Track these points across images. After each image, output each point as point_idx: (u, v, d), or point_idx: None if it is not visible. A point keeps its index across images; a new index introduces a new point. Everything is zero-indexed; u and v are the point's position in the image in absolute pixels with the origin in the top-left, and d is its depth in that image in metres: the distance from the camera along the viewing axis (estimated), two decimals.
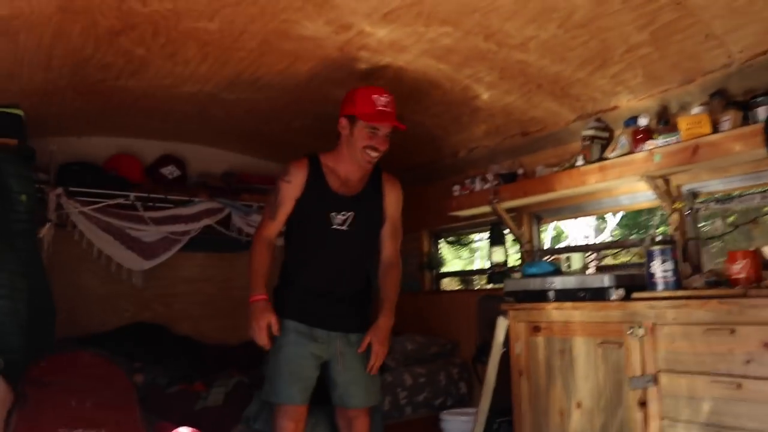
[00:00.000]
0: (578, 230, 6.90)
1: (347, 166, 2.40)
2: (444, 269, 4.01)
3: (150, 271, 3.55)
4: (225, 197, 3.72)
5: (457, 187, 3.37)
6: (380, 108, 2.32)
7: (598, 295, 2.41)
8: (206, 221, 3.62)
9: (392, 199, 2.48)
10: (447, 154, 3.57)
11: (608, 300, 2.36)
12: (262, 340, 2.23)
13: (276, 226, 2.38)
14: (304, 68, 2.76)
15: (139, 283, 3.45)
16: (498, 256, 3.27)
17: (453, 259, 4.24)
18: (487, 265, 3.37)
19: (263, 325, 2.23)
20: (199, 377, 2.84)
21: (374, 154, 2.35)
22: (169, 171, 3.76)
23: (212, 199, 3.67)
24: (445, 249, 4.02)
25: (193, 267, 4.03)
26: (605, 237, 6.71)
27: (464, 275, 4.36)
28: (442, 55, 2.60)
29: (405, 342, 3.47)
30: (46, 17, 2.18)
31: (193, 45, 2.52)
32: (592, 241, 6.91)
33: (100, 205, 3.32)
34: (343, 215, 2.37)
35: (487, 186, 3.18)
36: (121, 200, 3.40)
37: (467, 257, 4.31)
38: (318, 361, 2.32)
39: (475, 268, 4.24)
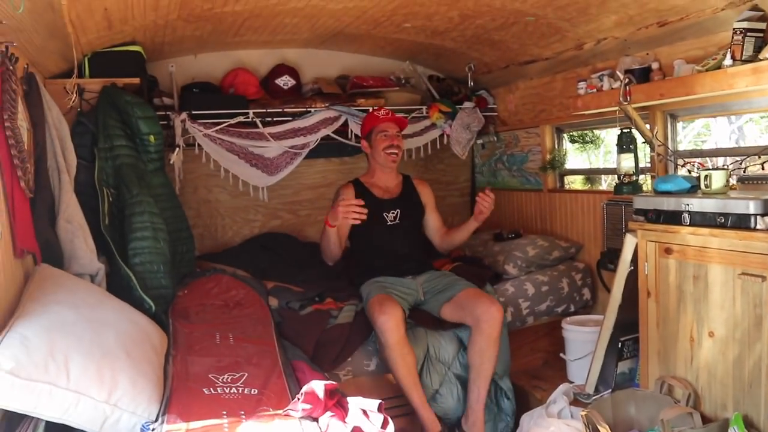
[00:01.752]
0: (722, 130, 6.01)
1: (382, 176, 3.11)
2: (568, 167, 3.82)
3: None
4: (340, 104, 3.70)
5: (582, 85, 3.12)
6: (382, 116, 3.05)
7: (740, 222, 2.17)
8: (324, 131, 3.63)
9: (425, 192, 3.18)
10: (572, 46, 3.25)
11: (753, 229, 2.13)
12: (346, 207, 2.64)
13: (341, 236, 2.90)
14: None
15: (264, 198, 3.58)
16: (627, 163, 3.02)
17: (577, 156, 4.01)
18: (614, 165, 3.15)
19: (339, 204, 2.67)
20: (328, 293, 2.98)
21: (394, 151, 3.02)
22: (284, 81, 3.76)
23: (328, 108, 3.66)
24: (569, 145, 3.78)
25: (315, 174, 4.12)
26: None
27: (590, 173, 4.12)
28: None
29: (526, 246, 3.42)
30: None
31: None
32: (734, 145, 6.01)
33: (222, 125, 3.41)
34: (393, 213, 3.04)
35: (616, 85, 2.89)
36: (241, 118, 3.46)
37: (593, 154, 4.03)
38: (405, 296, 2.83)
39: (601, 167, 3.99)
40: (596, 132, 3.69)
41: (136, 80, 2.87)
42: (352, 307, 2.88)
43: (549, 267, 3.42)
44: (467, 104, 4.02)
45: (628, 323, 2.65)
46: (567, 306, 3.35)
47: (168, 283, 2.63)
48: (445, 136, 4.02)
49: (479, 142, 4.29)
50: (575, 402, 2.67)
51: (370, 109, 3.27)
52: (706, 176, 2.39)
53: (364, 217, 2.67)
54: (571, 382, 2.90)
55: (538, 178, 3.89)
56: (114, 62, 2.83)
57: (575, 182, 4.08)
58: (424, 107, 3.94)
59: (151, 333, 2.12)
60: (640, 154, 3.04)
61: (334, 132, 3.70)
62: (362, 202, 2.66)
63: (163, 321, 2.43)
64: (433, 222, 3.18)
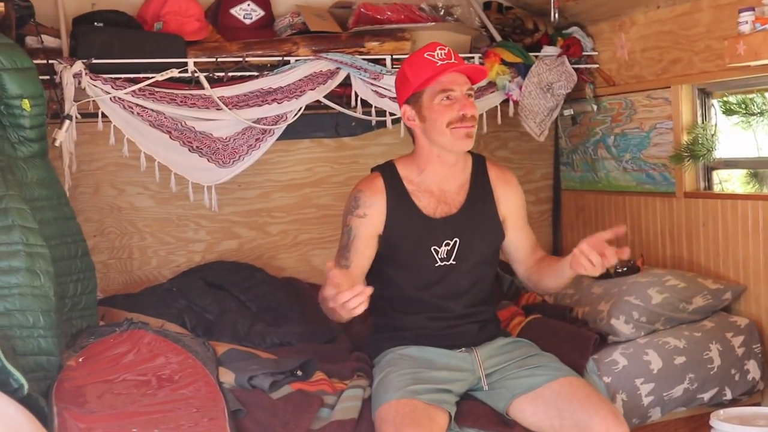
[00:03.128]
0: None
1: (439, 171, 2.89)
2: (720, 156, 3.72)
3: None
4: (338, 50, 3.67)
5: (747, 16, 3.06)
6: (441, 62, 2.76)
7: None
8: (311, 95, 3.62)
9: (510, 201, 3.01)
10: None
11: None
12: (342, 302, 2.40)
13: (351, 277, 2.73)
14: None
15: (213, 205, 3.57)
16: None
17: (737, 137, 3.90)
18: None
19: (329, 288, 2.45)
20: (320, 365, 2.90)
21: (467, 125, 2.77)
22: (245, 11, 3.75)
23: (318, 57, 3.63)
24: (722, 118, 3.69)
25: (296, 165, 4.12)
26: None
27: (759, 167, 3.99)
28: None
29: (648, 288, 3.33)
30: None
31: None
32: None
33: (143, 84, 3.37)
34: (447, 244, 2.86)
35: None
36: (174, 72, 3.44)
37: (763, 133, 3.91)
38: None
39: None
40: None
41: None
42: (357, 391, 2.79)
43: (688, 324, 3.35)
44: (549, 50, 4.01)
45: None
46: (719, 391, 3.26)
47: (51, 346, 2.60)
48: (510, 103, 4.00)
49: (568, 113, 4.26)
50: None
51: (416, 51, 2.96)
52: None
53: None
54: None
55: (669, 174, 3.83)
56: None
57: (732, 181, 3.96)
58: (477, 56, 3.92)
59: None
60: None
61: (328, 96, 3.69)
62: (369, 291, 2.41)
63: (42, 410, 2.38)
64: (518, 243, 3.04)
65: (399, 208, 2.85)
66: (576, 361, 2.96)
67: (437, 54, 2.79)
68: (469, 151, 2.97)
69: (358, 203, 2.87)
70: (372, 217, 2.83)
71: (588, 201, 4.41)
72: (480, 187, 2.96)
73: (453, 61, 2.79)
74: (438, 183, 2.91)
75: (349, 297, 2.37)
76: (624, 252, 2.57)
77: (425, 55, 2.80)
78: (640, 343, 3.23)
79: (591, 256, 2.57)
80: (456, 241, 2.86)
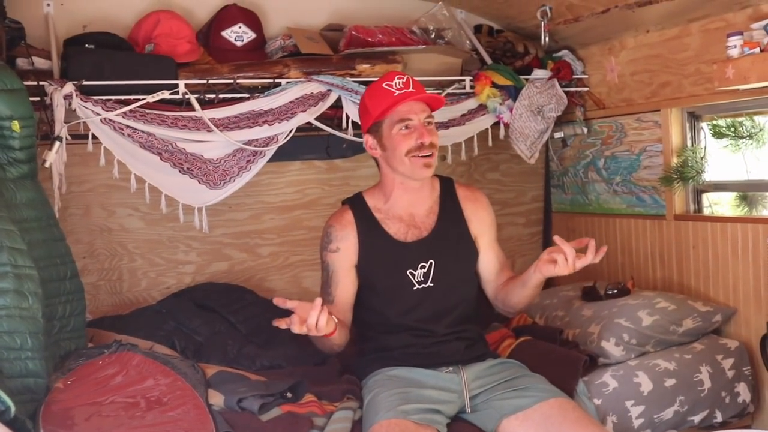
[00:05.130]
0: None
1: (403, 197, 2.95)
2: (710, 179, 3.75)
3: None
4: (329, 72, 3.67)
5: (736, 40, 3.11)
6: (398, 92, 2.82)
7: None
8: (302, 117, 3.62)
9: (478, 214, 3.05)
10: None
11: None
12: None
13: (338, 310, 2.86)
14: None
15: (203, 226, 3.56)
16: None
17: (726, 160, 3.93)
18: None
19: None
20: (309, 387, 2.90)
21: (426, 153, 2.83)
22: (236, 33, 3.73)
23: (309, 79, 3.63)
24: (711, 141, 3.72)
25: (287, 187, 4.12)
26: None
27: (748, 190, 4.01)
28: None
29: (638, 310, 3.36)
30: None
31: None
32: None
33: (135, 105, 3.37)
34: (423, 266, 2.90)
35: None
36: (165, 94, 3.44)
37: (753, 156, 3.93)
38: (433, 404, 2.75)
39: None
40: (758, 120, 3.60)
41: None
42: (347, 413, 2.79)
43: (678, 346, 3.36)
44: (539, 73, 4.01)
45: None
46: (710, 413, 3.26)
47: (39, 368, 2.59)
48: (501, 125, 4.00)
49: (558, 135, 4.29)
50: None
51: (376, 80, 3.03)
52: None
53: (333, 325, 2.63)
54: None
55: (659, 197, 3.86)
56: None
57: (722, 203, 3.98)
58: (468, 78, 3.93)
59: None
60: None
61: (319, 118, 3.69)
62: (318, 301, 2.54)
63: None
64: (487, 262, 3.07)
65: (370, 237, 2.92)
66: (566, 383, 2.94)
67: (395, 83, 2.85)
68: (436, 175, 3.04)
69: (330, 238, 2.95)
70: (346, 250, 2.91)
71: (578, 223, 4.42)
72: (449, 209, 3.02)
73: (411, 90, 2.84)
74: (406, 208, 2.97)
75: (314, 321, 2.50)
76: (601, 251, 2.64)
77: (384, 84, 2.87)
78: (630, 365, 3.24)
79: (566, 248, 2.62)
80: (431, 263, 2.91)
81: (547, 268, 2.70)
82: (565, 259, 2.64)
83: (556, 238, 2.69)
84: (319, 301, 2.52)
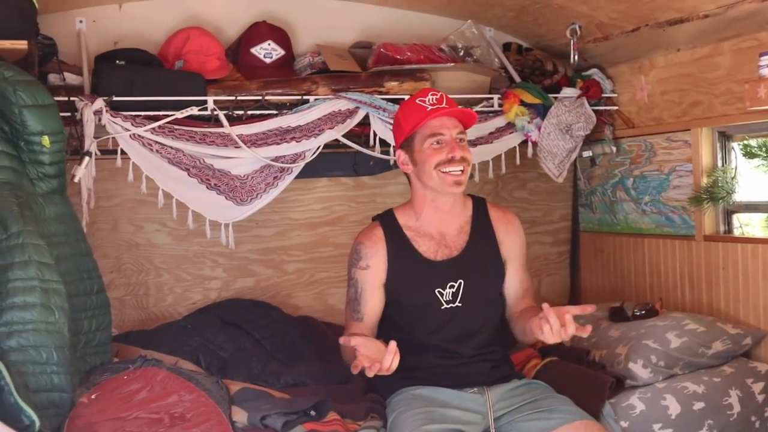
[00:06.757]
0: None
1: (434, 215, 2.94)
2: (741, 199, 3.72)
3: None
4: (358, 89, 3.69)
5: (767, 60, 3.08)
6: (431, 107, 2.83)
7: None
8: (330, 134, 3.63)
9: (511, 242, 3.04)
10: None
11: None
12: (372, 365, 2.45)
13: (366, 327, 2.87)
14: None
15: (230, 242, 3.57)
16: None
17: (758, 181, 3.91)
18: None
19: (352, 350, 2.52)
20: (333, 405, 2.89)
21: (456, 168, 2.83)
22: (266, 50, 3.76)
23: (338, 96, 3.65)
24: (742, 161, 3.70)
25: (314, 203, 4.14)
26: None
27: None
28: None
29: (666, 332, 3.32)
30: None
31: None
32: None
33: (163, 121, 3.40)
34: (452, 287, 2.89)
35: None
36: (194, 110, 3.46)
37: None
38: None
39: None
40: None
41: (22, 44, 2.85)
42: (371, 431, 2.80)
43: (707, 369, 3.33)
44: (568, 92, 4.01)
45: None
46: None
47: (64, 383, 2.59)
48: (529, 144, 4.00)
49: (587, 155, 4.28)
50: None
51: (408, 97, 3.07)
52: None
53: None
54: None
55: (688, 217, 3.84)
56: None
57: (753, 224, 3.96)
58: (496, 96, 3.94)
59: None
60: None
61: (347, 135, 3.70)
62: (394, 345, 2.47)
63: None
64: (511, 286, 3.05)
65: (400, 255, 2.91)
66: (592, 405, 2.92)
67: (428, 99, 2.85)
68: (469, 194, 3.06)
69: (360, 255, 2.93)
70: (375, 267, 2.90)
71: (606, 243, 4.41)
72: (481, 229, 3.01)
73: (444, 105, 2.84)
74: (436, 227, 2.97)
75: (388, 364, 2.46)
76: (585, 330, 2.53)
77: (417, 100, 2.88)
78: (658, 387, 3.21)
79: (551, 319, 2.53)
80: (461, 283, 2.90)
81: (538, 332, 2.62)
82: (550, 329, 2.55)
83: (545, 306, 2.57)
84: (394, 345, 2.47)
